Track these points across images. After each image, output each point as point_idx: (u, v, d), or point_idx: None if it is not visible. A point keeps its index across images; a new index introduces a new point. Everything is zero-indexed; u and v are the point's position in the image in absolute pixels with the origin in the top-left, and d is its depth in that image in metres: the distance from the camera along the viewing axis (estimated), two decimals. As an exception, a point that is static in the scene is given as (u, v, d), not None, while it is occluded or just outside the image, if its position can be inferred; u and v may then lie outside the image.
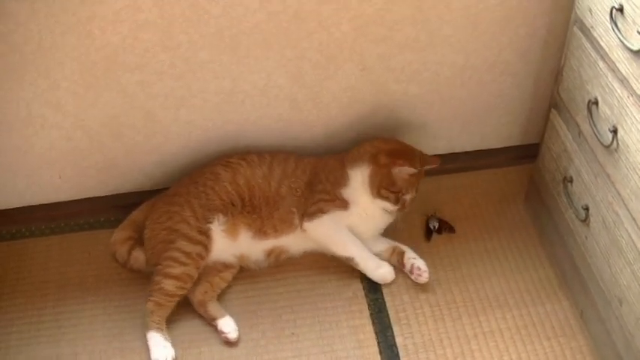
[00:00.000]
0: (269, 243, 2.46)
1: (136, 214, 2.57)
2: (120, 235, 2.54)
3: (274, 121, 2.59)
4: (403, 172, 2.41)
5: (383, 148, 2.46)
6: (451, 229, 2.62)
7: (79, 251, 2.61)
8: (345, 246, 2.47)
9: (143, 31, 2.28)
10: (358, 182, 2.46)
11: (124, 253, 2.50)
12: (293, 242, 2.48)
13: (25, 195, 2.65)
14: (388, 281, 2.47)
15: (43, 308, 2.44)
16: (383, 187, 2.43)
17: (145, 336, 2.29)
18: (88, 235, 2.65)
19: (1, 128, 2.44)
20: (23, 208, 2.68)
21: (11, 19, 2.18)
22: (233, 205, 2.42)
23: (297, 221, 2.45)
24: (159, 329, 2.30)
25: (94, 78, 2.36)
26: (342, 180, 2.46)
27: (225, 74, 2.43)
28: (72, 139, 2.51)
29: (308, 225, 2.44)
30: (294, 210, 2.45)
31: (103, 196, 2.70)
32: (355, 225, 2.47)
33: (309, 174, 2.49)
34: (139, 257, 2.48)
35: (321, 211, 2.44)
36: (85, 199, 2.70)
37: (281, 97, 2.53)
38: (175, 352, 2.28)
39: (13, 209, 2.68)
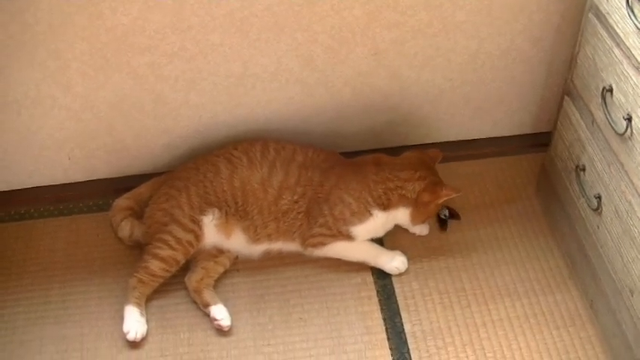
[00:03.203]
0: (264, 247, 2.45)
1: (144, 188, 2.57)
2: (122, 202, 2.55)
3: (285, 105, 2.58)
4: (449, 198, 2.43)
5: (418, 188, 2.40)
6: (457, 216, 2.61)
7: (87, 233, 2.61)
8: (354, 257, 2.46)
9: (154, 13, 2.26)
10: (381, 220, 2.42)
11: (117, 220, 2.52)
12: (292, 247, 2.46)
13: (34, 176, 2.64)
14: (402, 271, 2.46)
15: (50, 289, 2.44)
16: (430, 216, 2.50)
17: (123, 308, 2.31)
18: (96, 217, 2.65)
19: (10, 108, 2.43)
20: (32, 189, 2.68)
21: (22, -2, 2.17)
22: (228, 205, 2.41)
23: (297, 240, 2.43)
24: (137, 304, 2.31)
25: (104, 59, 2.35)
26: (356, 219, 2.39)
27: (235, 57, 2.41)
28: (81, 121, 2.50)
29: (311, 250, 2.43)
30: (295, 234, 2.42)
31: (111, 178, 2.69)
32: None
33: (310, 194, 2.41)
34: (125, 227, 2.50)
35: (322, 244, 2.41)
36: (94, 180, 2.69)
37: (292, 81, 2.51)
38: (184, 335, 2.30)
39: (22, 190, 2.67)
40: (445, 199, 2.40)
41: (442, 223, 2.60)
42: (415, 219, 2.44)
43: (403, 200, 2.40)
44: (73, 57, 2.33)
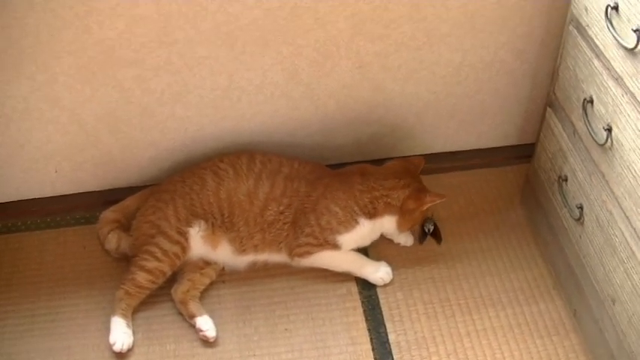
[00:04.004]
0: (250, 258, 2.46)
1: (130, 201, 2.58)
2: (109, 215, 2.56)
3: (270, 118, 2.59)
4: (434, 204, 2.45)
5: (403, 195, 2.42)
6: (439, 238, 2.61)
7: (75, 245, 2.61)
8: (340, 267, 2.48)
9: (140, 27, 2.28)
10: (367, 229, 2.43)
11: (104, 232, 2.52)
12: (278, 258, 2.47)
13: (21, 189, 2.65)
14: (387, 282, 2.47)
15: (38, 302, 2.44)
16: (416, 223, 2.51)
17: (110, 320, 2.32)
18: (83, 230, 2.65)
19: (-2, 122, 2.44)
20: (19, 201, 2.68)
21: (9, 13, 2.18)
22: (214, 217, 2.42)
23: (283, 250, 2.44)
24: (124, 316, 2.32)
25: (90, 73, 2.36)
26: (342, 227, 2.41)
27: (221, 70, 2.43)
28: (68, 134, 2.51)
29: (298, 260, 2.44)
30: (282, 244, 2.43)
31: (99, 191, 2.70)
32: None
33: (297, 205, 2.42)
34: (112, 239, 2.50)
35: (309, 253, 2.42)
36: (81, 193, 2.70)
37: (277, 94, 2.53)
38: (170, 346, 2.31)
39: (9, 203, 2.68)
40: (430, 205, 2.42)
41: (422, 236, 2.60)
42: (401, 226, 2.45)
43: (389, 208, 2.42)
44: (61, 70, 2.34)
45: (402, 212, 2.42)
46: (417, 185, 2.45)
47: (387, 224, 2.45)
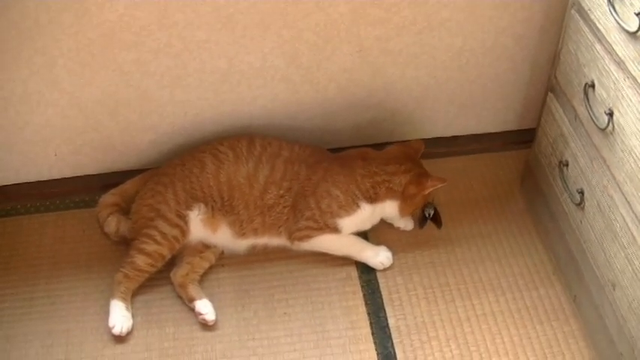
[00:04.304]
0: (250, 241, 2.46)
1: (130, 184, 2.58)
2: (108, 198, 2.56)
3: (270, 102, 2.59)
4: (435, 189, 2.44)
5: (405, 181, 2.42)
6: (439, 224, 2.61)
7: (74, 229, 2.61)
8: (340, 251, 2.48)
9: (140, 9, 2.27)
10: (368, 213, 2.43)
11: (104, 216, 2.52)
12: (278, 242, 2.47)
13: (20, 172, 2.65)
14: (387, 266, 2.47)
15: (36, 285, 2.44)
16: (418, 207, 2.50)
17: (109, 303, 2.32)
18: (82, 213, 2.65)
19: (-3, 105, 2.44)
20: (18, 185, 2.68)
21: (8, -5, 2.18)
22: (214, 200, 2.41)
23: (283, 234, 2.44)
24: (123, 299, 2.32)
25: (90, 55, 2.35)
26: (343, 211, 2.41)
27: (221, 54, 2.42)
28: (68, 117, 2.50)
29: (298, 244, 2.44)
30: (281, 228, 2.43)
31: (98, 174, 2.70)
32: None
33: (297, 188, 2.42)
34: (111, 222, 2.50)
35: (309, 237, 2.42)
36: (80, 176, 2.70)
37: (277, 77, 2.52)
38: (169, 329, 2.31)
39: (8, 186, 2.68)
40: (431, 189, 2.42)
41: (422, 221, 2.60)
42: (402, 211, 2.46)
43: (390, 193, 2.42)
44: (60, 53, 2.33)
45: (403, 197, 2.42)
46: (418, 170, 2.45)
47: (388, 209, 2.45)
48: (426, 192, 2.43)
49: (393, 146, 2.54)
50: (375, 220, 2.49)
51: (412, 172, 2.43)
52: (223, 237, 2.43)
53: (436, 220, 2.60)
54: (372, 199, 2.41)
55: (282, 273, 2.46)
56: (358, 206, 2.40)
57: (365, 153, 2.50)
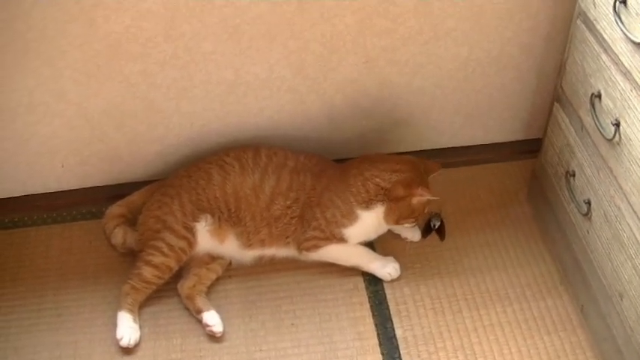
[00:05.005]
0: (257, 252, 2.45)
1: (136, 195, 2.58)
2: (115, 210, 2.56)
3: (276, 113, 2.59)
4: (422, 200, 2.38)
5: (396, 181, 2.37)
6: (443, 236, 2.60)
7: (80, 240, 2.61)
8: (348, 261, 2.47)
9: (146, 21, 2.27)
10: (369, 221, 2.41)
11: (111, 227, 2.52)
12: (285, 252, 2.47)
13: (27, 183, 2.65)
14: (394, 277, 2.46)
15: (44, 296, 2.44)
16: (402, 218, 2.40)
17: (116, 315, 2.32)
18: (89, 225, 2.65)
19: (3, 116, 2.43)
20: (25, 196, 2.68)
21: (15, 6, 2.18)
22: (220, 211, 2.41)
23: (291, 244, 2.43)
24: (130, 311, 2.32)
25: (96, 67, 2.36)
26: (346, 220, 2.40)
27: (227, 65, 2.43)
28: (74, 128, 2.51)
29: (306, 254, 2.43)
30: (289, 239, 2.42)
31: (104, 186, 2.70)
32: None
33: (304, 199, 2.42)
34: (118, 234, 2.50)
35: (317, 247, 2.42)
36: (87, 188, 2.69)
37: (283, 88, 2.52)
38: (177, 341, 2.31)
39: (15, 198, 2.67)
40: (419, 198, 2.35)
41: (426, 231, 2.60)
42: (387, 216, 2.40)
43: (378, 191, 2.37)
44: (66, 65, 2.34)
45: (389, 198, 2.36)
46: (414, 176, 2.39)
47: (375, 215, 2.40)
48: (414, 200, 2.36)
49: (405, 155, 2.52)
50: (382, 230, 2.48)
51: (405, 174, 2.38)
52: (230, 248, 2.43)
53: (440, 232, 2.60)
54: (365, 203, 2.37)
55: (290, 284, 2.46)
56: (356, 214, 2.38)
57: (366, 156, 2.48)
